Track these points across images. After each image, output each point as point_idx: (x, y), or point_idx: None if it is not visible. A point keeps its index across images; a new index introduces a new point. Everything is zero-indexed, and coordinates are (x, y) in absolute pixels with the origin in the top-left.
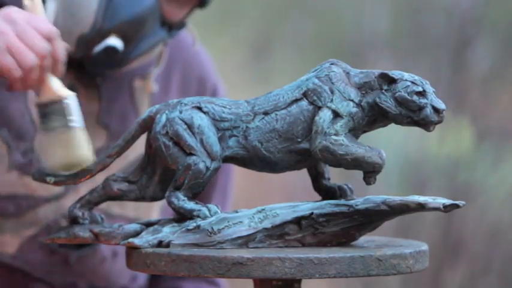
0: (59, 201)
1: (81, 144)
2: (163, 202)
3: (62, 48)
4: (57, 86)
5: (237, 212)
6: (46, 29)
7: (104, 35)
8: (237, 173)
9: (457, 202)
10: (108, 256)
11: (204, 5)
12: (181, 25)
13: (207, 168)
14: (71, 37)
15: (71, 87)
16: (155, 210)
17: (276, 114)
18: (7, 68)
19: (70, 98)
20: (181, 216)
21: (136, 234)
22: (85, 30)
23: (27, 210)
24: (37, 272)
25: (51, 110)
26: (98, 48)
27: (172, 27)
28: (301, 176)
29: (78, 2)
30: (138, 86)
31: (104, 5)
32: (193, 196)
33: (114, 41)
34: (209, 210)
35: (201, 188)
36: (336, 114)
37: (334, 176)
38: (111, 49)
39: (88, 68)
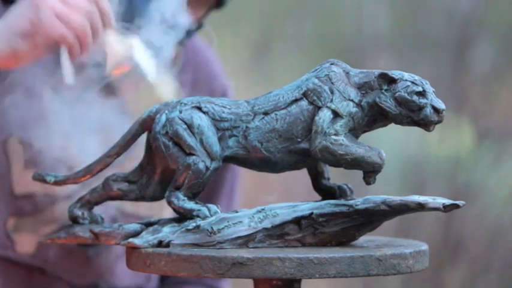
0: (76, 198)
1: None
2: None
3: (106, 4)
4: (116, 40)
5: (237, 212)
6: None
7: (125, 35)
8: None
9: (457, 202)
10: (121, 254)
11: (221, 6)
12: (198, 26)
13: (207, 168)
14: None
15: None
16: (167, 208)
17: (276, 114)
18: (60, 34)
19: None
20: (181, 216)
21: (136, 234)
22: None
23: (44, 209)
24: (55, 271)
25: None
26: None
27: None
28: (301, 176)
29: None
30: None
31: (126, 2)
32: (193, 196)
33: (136, 42)
34: (209, 210)
35: (201, 188)
36: (336, 114)
37: (334, 176)
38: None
39: None
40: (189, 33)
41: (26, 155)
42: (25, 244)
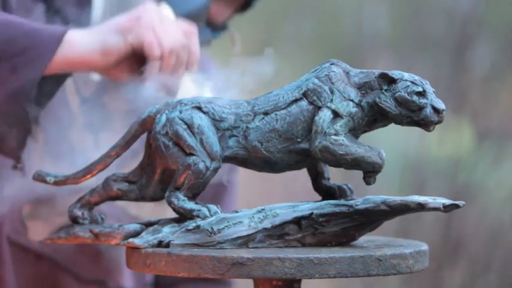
0: None
1: None
2: None
3: (197, 47)
4: (190, 83)
5: (237, 212)
6: (186, 25)
7: None
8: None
9: (457, 202)
10: None
11: (247, 8)
12: (223, 26)
13: (207, 168)
14: None
15: None
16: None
17: (276, 114)
18: (150, 43)
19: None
20: (181, 216)
21: (137, 234)
22: None
23: (60, 199)
24: (65, 261)
25: None
26: None
27: (215, 28)
28: (301, 176)
29: None
30: None
31: (158, 2)
32: (193, 196)
33: None
34: (209, 210)
35: (201, 188)
36: (336, 114)
37: (334, 176)
38: None
39: None
40: (215, 34)
41: (43, 143)
42: (37, 232)
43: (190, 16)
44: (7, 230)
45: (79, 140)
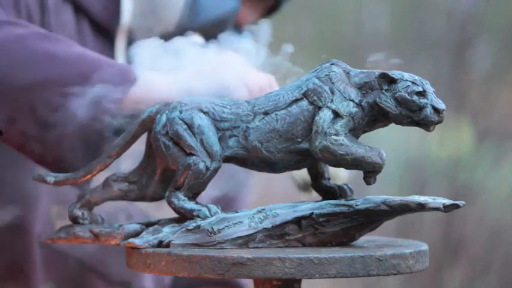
0: None
1: None
2: None
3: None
4: None
5: (237, 212)
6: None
7: (186, 33)
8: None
9: (457, 202)
10: None
11: (274, 11)
12: (246, 31)
13: (207, 168)
14: (150, 34)
15: None
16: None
17: (276, 114)
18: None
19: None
20: (182, 216)
21: (137, 234)
22: (168, 29)
23: None
24: (92, 262)
25: None
26: None
27: (241, 31)
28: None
29: (163, 2)
30: None
31: (190, 5)
32: (194, 196)
33: (197, 39)
34: (209, 210)
35: (201, 188)
36: (336, 114)
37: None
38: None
39: None
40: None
41: None
42: None
43: (220, 20)
44: (37, 230)
45: None
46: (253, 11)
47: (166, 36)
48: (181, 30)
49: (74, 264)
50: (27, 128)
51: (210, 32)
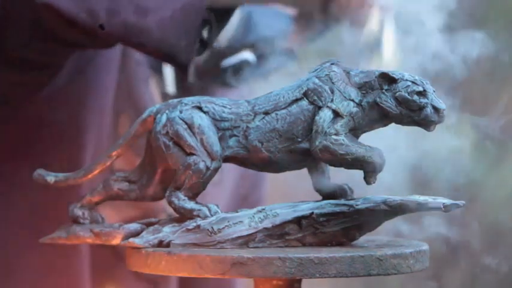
0: None
1: None
2: None
3: None
4: None
5: (237, 211)
6: None
7: (238, 50)
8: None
9: (457, 202)
10: None
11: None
12: (293, 55)
13: (207, 168)
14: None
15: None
16: None
17: (277, 114)
18: None
19: None
20: (182, 216)
21: (137, 233)
22: (221, 44)
23: None
24: (121, 251)
25: None
26: (234, 60)
27: (288, 55)
28: (301, 176)
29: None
30: None
31: (245, 22)
32: (194, 196)
33: (249, 56)
34: (209, 210)
35: (202, 188)
36: (336, 114)
37: (335, 176)
38: (245, 62)
39: (220, 77)
40: (290, 58)
41: None
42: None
43: (273, 38)
44: None
45: None
46: (303, 36)
47: (218, 51)
48: (234, 46)
49: (100, 251)
50: (128, 17)
51: (262, 48)
